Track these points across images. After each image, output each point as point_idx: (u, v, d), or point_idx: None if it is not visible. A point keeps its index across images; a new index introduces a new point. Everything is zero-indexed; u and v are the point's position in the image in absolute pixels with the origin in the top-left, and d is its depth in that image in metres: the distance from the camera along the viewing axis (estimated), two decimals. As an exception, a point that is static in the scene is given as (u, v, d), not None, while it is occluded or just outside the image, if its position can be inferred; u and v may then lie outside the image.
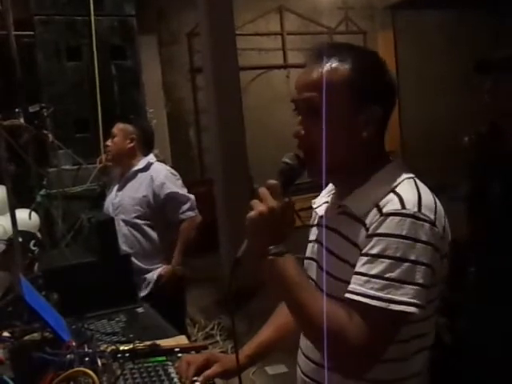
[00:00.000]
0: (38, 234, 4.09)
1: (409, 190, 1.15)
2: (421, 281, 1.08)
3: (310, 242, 1.36)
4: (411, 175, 1.20)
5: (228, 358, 1.46)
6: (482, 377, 2.17)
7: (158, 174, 3.14)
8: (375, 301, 1.07)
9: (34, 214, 4.06)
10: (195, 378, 1.37)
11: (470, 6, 8.32)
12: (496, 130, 2.32)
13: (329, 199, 1.34)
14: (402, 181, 1.17)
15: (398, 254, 1.07)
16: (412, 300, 1.07)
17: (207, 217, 5.45)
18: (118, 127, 3.20)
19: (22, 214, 3.80)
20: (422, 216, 1.10)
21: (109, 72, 4.77)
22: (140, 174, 3.17)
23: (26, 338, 1.60)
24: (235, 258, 1.14)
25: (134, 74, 4.91)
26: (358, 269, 1.12)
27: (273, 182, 1.16)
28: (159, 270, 3.13)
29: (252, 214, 1.13)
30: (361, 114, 1.17)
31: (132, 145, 3.17)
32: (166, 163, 3.68)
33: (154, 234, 3.13)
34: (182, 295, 3.29)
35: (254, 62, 8.37)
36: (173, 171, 3.24)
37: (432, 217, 1.11)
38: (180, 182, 3.21)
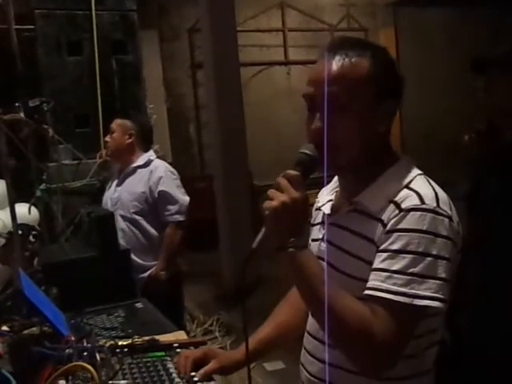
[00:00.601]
0: (37, 227, 4.09)
1: (424, 186, 1.15)
2: (443, 275, 1.08)
3: (315, 240, 1.32)
4: (421, 172, 1.21)
5: (226, 354, 1.46)
6: (482, 375, 2.17)
7: (156, 171, 3.14)
8: (399, 296, 1.07)
9: (33, 208, 4.05)
10: (193, 374, 1.37)
11: (471, 4, 8.31)
12: (495, 127, 2.32)
13: (333, 197, 1.32)
14: (415, 177, 1.18)
15: (420, 249, 1.08)
16: (435, 294, 1.07)
17: (207, 212, 5.46)
18: (117, 123, 3.21)
19: (22, 209, 3.80)
20: (441, 211, 1.10)
21: (109, 67, 4.76)
22: (139, 170, 3.17)
23: (25, 332, 1.60)
24: (251, 248, 1.09)
25: (135, 69, 4.90)
26: (377, 265, 1.11)
27: (293, 172, 1.12)
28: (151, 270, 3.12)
29: (274, 203, 1.08)
30: (379, 109, 1.18)
31: (131, 140, 3.17)
32: (165, 159, 3.68)
33: (152, 231, 3.13)
34: (178, 291, 3.29)
35: (255, 58, 8.35)
36: (172, 169, 3.23)
37: (449, 212, 1.13)
38: (177, 181, 3.19)
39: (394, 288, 1.07)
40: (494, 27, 8.26)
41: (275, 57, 8.71)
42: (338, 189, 1.32)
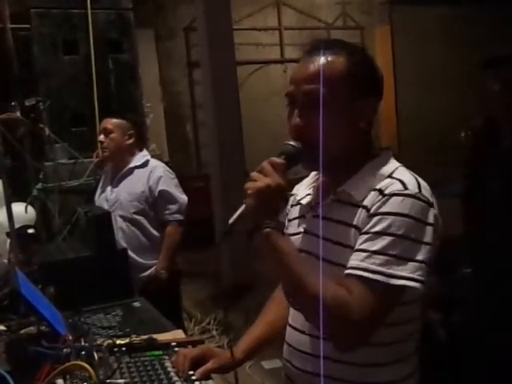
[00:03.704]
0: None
1: (406, 174, 1.20)
2: (421, 258, 1.12)
3: (294, 234, 1.35)
4: (402, 164, 1.25)
5: (224, 353, 1.46)
6: (476, 371, 2.18)
7: (155, 171, 3.13)
8: (376, 275, 1.10)
9: (30, 207, 4.05)
10: (191, 372, 1.37)
11: (467, 2, 8.33)
12: (492, 124, 2.33)
13: (311, 191, 1.36)
14: (397, 168, 1.23)
15: (400, 232, 1.11)
16: (411, 275, 1.10)
17: (204, 211, 5.46)
18: (113, 123, 3.14)
19: (19, 208, 3.79)
20: (422, 197, 1.14)
21: (106, 66, 4.75)
22: (137, 171, 3.15)
23: (23, 331, 1.60)
24: (228, 224, 1.15)
25: (131, 68, 4.90)
26: (358, 246, 1.15)
27: (279, 160, 1.19)
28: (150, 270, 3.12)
29: (259, 184, 1.14)
30: (358, 105, 1.22)
31: (131, 141, 3.14)
32: (162, 158, 3.67)
33: (152, 230, 3.12)
34: (176, 290, 3.29)
35: (251, 56, 8.35)
36: (169, 169, 3.23)
37: (431, 199, 1.17)
38: (175, 181, 3.19)
39: (373, 267, 1.11)
40: (491, 24, 8.27)
41: (271, 55, 8.70)
42: (315, 183, 1.36)
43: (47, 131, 4.24)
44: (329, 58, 1.21)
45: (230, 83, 5.48)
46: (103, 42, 4.73)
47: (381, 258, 1.10)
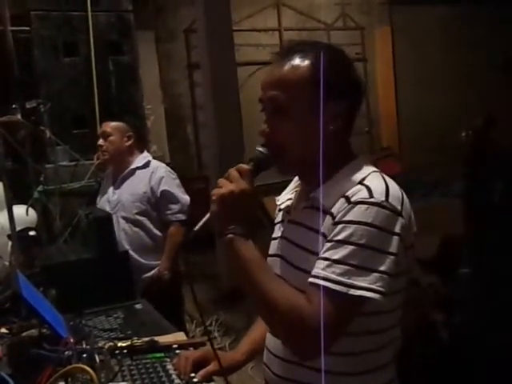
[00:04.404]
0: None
1: (376, 181, 1.17)
2: (383, 268, 1.09)
3: (274, 239, 1.36)
4: (377, 170, 1.22)
5: (226, 356, 1.46)
6: (477, 371, 2.18)
7: (157, 172, 3.14)
8: (336, 285, 1.08)
9: (31, 210, 4.05)
10: (193, 375, 1.37)
11: (467, 2, 8.33)
12: (492, 122, 2.34)
13: (292, 196, 1.36)
14: (370, 173, 1.19)
15: (361, 241, 1.09)
16: (371, 286, 1.08)
17: (204, 213, 5.46)
18: (111, 126, 3.16)
19: (20, 211, 3.79)
20: (388, 206, 1.11)
21: (106, 68, 4.76)
22: (138, 172, 3.16)
23: (24, 334, 1.60)
24: (193, 231, 1.18)
25: (132, 70, 4.90)
26: (321, 254, 1.13)
27: (245, 166, 1.20)
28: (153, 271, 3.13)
29: (222, 190, 1.16)
30: (324, 109, 1.17)
31: (130, 142, 3.15)
32: (163, 160, 3.67)
33: (155, 231, 3.13)
34: (178, 292, 3.29)
35: (252, 57, 8.34)
36: (170, 170, 3.24)
37: (399, 207, 1.13)
38: (177, 181, 3.20)
39: (333, 276, 1.09)
40: (489, 24, 8.28)
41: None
42: (297, 188, 1.36)
43: (48, 133, 4.25)
44: (294, 63, 1.20)
45: (231, 84, 5.48)
46: (103, 43, 4.74)
47: (341, 268, 1.09)
